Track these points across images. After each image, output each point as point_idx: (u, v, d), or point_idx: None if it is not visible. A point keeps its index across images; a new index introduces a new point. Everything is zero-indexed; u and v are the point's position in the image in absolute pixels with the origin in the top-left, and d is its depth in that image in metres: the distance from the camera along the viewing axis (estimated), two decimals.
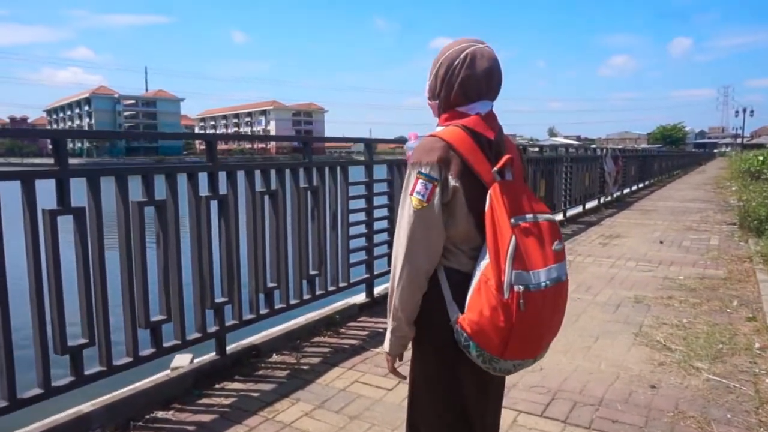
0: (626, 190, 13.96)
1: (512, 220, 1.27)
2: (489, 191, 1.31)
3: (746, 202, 8.96)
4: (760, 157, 15.71)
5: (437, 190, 1.32)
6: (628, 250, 6.73)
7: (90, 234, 2.43)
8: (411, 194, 1.34)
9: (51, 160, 2.30)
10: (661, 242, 7.29)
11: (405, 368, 1.55)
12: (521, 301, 1.23)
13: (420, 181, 1.33)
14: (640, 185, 16.15)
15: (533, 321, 1.27)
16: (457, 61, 1.40)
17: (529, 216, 1.31)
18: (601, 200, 11.42)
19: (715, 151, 77.49)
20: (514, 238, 1.25)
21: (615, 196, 12.47)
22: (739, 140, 72.61)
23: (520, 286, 1.24)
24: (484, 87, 1.40)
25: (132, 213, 2.59)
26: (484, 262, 1.30)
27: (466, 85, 1.39)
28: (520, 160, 1.46)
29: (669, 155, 25.93)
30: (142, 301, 2.66)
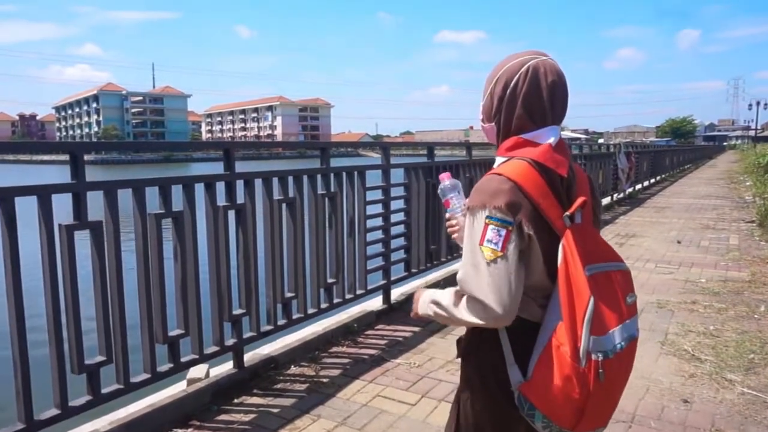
0: (638, 186, 13.79)
1: (586, 271, 1.12)
2: (561, 240, 1.15)
3: (766, 200, 8.79)
4: None
5: (512, 236, 1.13)
6: (646, 251, 6.61)
7: (107, 248, 2.35)
8: (481, 244, 1.14)
9: (60, 156, 2.24)
10: (679, 242, 7.15)
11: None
12: (600, 371, 1.09)
13: (490, 227, 1.13)
14: (652, 181, 15.97)
15: (610, 388, 1.14)
16: (517, 76, 1.21)
17: (604, 266, 1.16)
18: (614, 197, 11.29)
19: (725, 144, 76.66)
20: (592, 300, 1.10)
21: (627, 192, 12.33)
22: (750, 132, 71.78)
23: (599, 354, 1.09)
24: (549, 108, 1.21)
25: (149, 226, 2.51)
26: (556, 323, 1.14)
27: (529, 103, 1.20)
28: (592, 197, 1.27)
29: (679, 150, 25.65)
30: (160, 315, 2.59)
